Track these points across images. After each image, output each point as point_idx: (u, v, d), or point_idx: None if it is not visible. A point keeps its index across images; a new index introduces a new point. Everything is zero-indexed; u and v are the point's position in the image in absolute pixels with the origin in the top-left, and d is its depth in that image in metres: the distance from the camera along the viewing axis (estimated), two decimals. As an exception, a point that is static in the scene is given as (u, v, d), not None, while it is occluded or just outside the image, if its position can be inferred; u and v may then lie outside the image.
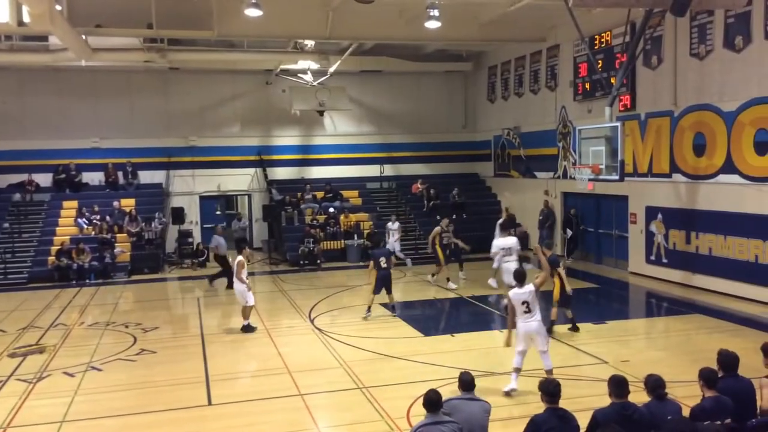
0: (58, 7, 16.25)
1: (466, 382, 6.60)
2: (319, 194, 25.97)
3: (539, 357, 9.87)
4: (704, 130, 16.69)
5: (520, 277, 10.02)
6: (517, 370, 9.74)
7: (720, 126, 16.19)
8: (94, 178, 25.49)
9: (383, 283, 14.99)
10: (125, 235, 23.00)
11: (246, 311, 14.19)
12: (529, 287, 9.78)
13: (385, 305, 15.43)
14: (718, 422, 6.11)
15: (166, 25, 19.06)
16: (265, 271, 22.58)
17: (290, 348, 12.77)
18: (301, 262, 22.54)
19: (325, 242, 23.57)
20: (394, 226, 22.59)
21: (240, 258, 14.22)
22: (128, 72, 25.34)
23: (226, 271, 18.36)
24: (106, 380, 11.13)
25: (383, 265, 14.96)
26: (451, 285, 18.10)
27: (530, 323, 9.73)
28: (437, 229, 18.63)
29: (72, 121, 25.15)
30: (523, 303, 9.72)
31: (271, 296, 18.08)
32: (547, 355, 9.86)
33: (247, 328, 14.04)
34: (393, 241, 22.09)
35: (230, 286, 18.43)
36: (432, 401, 5.98)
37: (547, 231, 22.75)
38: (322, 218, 24.63)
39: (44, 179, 24.87)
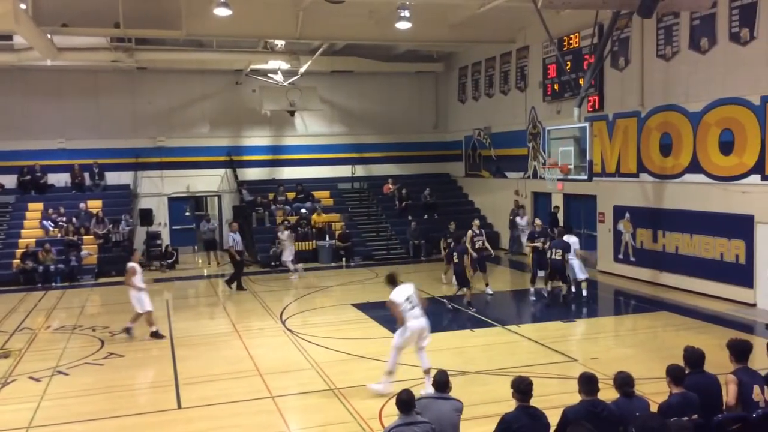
0: (23, 6, 15.96)
1: (440, 383, 6.59)
2: (291, 195, 25.85)
3: (418, 356, 9.95)
4: (670, 131, 16.94)
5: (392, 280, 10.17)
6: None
7: (686, 126, 16.45)
8: (60, 179, 25.09)
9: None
10: (92, 237, 22.66)
11: (148, 317, 13.72)
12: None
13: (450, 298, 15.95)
14: (686, 418, 6.19)
15: (133, 25, 18.84)
16: (235, 273, 22.40)
17: (261, 350, 12.68)
18: (273, 263, 22.41)
19: (296, 243, 23.43)
20: (283, 235, 21.25)
21: (131, 264, 13.79)
22: (95, 72, 24.97)
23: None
24: (74, 385, 10.95)
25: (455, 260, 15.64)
26: (488, 290, 17.19)
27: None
28: (469, 233, 17.19)
29: (37, 121, 24.71)
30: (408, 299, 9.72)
31: (242, 298, 17.94)
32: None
33: (156, 335, 13.64)
34: (286, 251, 21.05)
35: (239, 286, 18.50)
36: (405, 401, 5.95)
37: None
38: (293, 219, 24.51)
39: (8, 181, 24.41)
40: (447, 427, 6.29)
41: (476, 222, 18.10)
